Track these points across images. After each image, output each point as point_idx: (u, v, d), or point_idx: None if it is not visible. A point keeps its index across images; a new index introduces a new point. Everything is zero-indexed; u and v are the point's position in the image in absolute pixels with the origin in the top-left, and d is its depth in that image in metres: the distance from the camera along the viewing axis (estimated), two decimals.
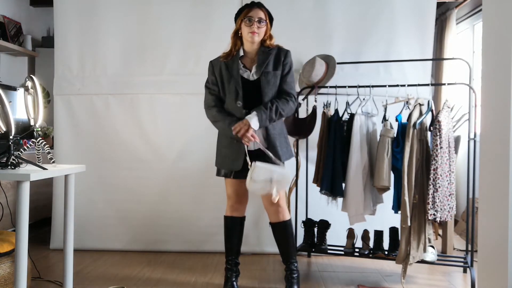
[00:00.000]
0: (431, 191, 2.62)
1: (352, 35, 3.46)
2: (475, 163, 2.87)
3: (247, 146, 2.40)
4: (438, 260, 2.87)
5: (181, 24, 3.48)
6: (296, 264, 2.59)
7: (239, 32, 2.50)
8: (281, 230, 2.56)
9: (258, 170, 2.32)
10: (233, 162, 2.48)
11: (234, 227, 2.62)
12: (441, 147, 2.63)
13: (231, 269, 2.62)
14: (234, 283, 2.60)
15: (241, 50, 2.53)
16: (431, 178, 2.63)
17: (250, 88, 2.46)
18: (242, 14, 2.46)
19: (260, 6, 2.49)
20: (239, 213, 2.63)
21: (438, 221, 2.64)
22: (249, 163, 2.36)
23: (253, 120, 2.37)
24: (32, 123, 2.28)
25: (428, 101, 2.83)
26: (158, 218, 3.46)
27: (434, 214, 2.62)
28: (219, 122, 2.51)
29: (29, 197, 1.96)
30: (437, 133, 2.64)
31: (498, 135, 1.80)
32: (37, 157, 2.41)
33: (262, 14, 2.45)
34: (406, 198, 2.64)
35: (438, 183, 2.61)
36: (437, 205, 2.61)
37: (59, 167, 2.34)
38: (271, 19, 2.53)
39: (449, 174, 2.69)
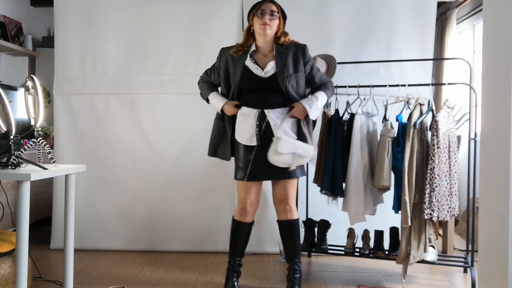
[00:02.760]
0: (427, 191, 2.62)
1: (353, 35, 3.46)
2: (475, 163, 2.86)
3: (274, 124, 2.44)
4: (438, 260, 2.87)
5: (181, 24, 3.48)
6: (299, 264, 2.59)
7: (252, 29, 2.52)
8: (289, 228, 2.56)
9: (283, 143, 2.36)
10: (220, 149, 2.58)
11: (241, 231, 2.58)
12: (438, 147, 2.62)
13: (232, 269, 2.61)
14: (235, 283, 2.60)
15: (253, 46, 2.55)
16: (428, 178, 2.63)
17: (262, 85, 2.48)
18: (255, 8, 2.49)
19: (273, 1, 2.52)
20: (249, 218, 2.56)
21: (435, 221, 2.63)
22: (275, 134, 2.40)
23: (313, 110, 2.47)
24: (32, 123, 2.28)
25: (429, 101, 2.83)
26: (158, 218, 3.46)
27: (430, 214, 2.62)
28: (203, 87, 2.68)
29: (29, 197, 1.96)
30: (435, 132, 2.64)
31: (499, 135, 1.80)
32: (38, 157, 2.41)
33: (274, 8, 2.48)
34: (407, 198, 2.64)
35: (435, 182, 2.61)
36: (433, 204, 2.61)
37: (59, 167, 2.34)
38: (284, 15, 2.55)
39: (449, 174, 2.68)
